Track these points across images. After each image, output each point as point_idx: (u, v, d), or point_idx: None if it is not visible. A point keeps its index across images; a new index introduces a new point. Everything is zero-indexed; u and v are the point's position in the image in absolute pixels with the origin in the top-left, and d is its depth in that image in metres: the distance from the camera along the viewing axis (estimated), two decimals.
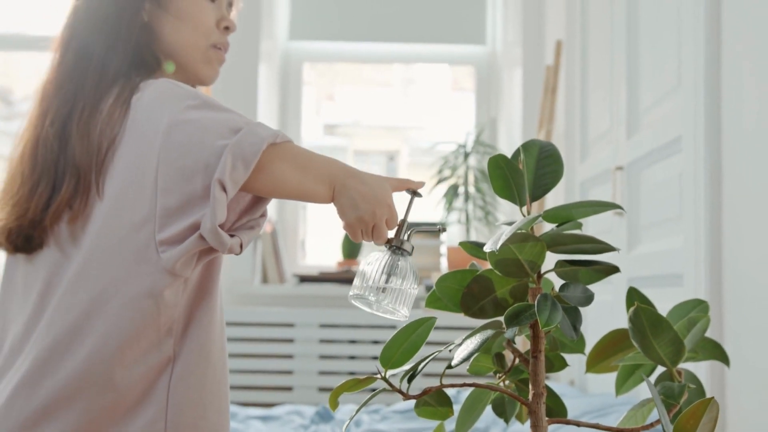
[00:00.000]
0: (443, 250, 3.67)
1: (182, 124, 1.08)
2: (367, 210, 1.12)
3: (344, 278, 3.49)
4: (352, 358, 3.29)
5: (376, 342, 3.28)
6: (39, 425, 1.10)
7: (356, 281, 1.11)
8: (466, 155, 3.66)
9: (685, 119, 1.89)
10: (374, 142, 14.84)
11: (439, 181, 3.66)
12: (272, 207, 3.77)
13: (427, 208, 3.77)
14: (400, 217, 1.19)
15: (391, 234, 1.15)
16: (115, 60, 1.19)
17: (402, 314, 1.11)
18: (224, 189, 1.04)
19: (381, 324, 3.22)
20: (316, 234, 4.45)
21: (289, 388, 3.27)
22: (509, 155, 3.37)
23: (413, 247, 1.14)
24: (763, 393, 1.56)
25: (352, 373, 3.28)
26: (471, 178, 3.65)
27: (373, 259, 1.11)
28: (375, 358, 3.28)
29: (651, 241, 2.19)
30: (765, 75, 1.57)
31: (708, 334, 1.68)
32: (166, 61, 1.26)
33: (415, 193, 1.17)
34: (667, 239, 2.06)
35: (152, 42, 1.25)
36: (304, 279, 3.48)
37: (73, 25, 1.24)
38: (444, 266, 3.67)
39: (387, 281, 1.09)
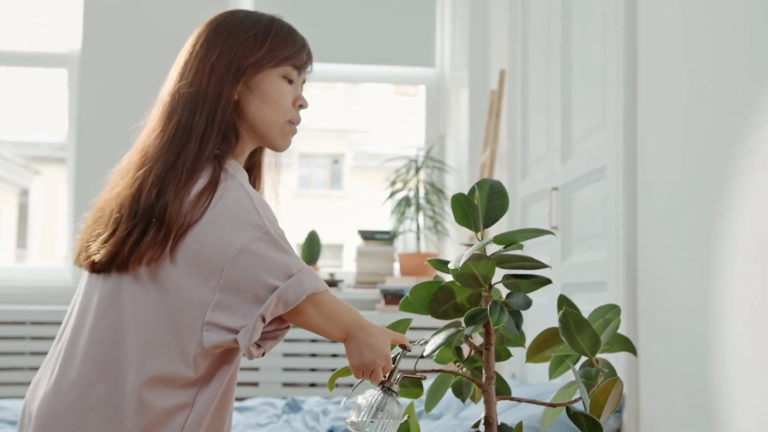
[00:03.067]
0: (396, 256, 4.00)
1: (248, 255, 1.33)
2: (369, 358, 1.40)
3: None
4: (314, 355, 3.60)
5: (334, 342, 3.59)
6: (85, 416, 1.37)
7: (353, 411, 1.40)
8: (417, 169, 3.99)
9: (607, 152, 2.25)
10: (319, 145, 14.96)
11: (392, 194, 3.99)
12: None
13: (381, 218, 4.10)
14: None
15: (384, 377, 1.42)
16: (211, 136, 1.42)
17: None
18: (263, 321, 1.33)
19: None
20: None
21: (255, 384, 3.56)
22: (457, 171, 3.76)
23: (400, 390, 1.42)
24: (667, 376, 1.91)
25: (313, 370, 3.59)
26: (422, 191, 3.99)
27: (368, 395, 1.40)
28: (334, 355, 3.60)
29: (580, 252, 2.54)
30: (672, 120, 1.92)
31: (624, 330, 2.05)
32: (249, 135, 1.51)
33: (405, 348, 1.44)
34: (593, 252, 2.41)
35: (237, 118, 1.48)
36: None
37: (175, 100, 1.45)
38: (396, 271, 4.00)
39: (376, 415, 1.38)
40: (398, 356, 1.43)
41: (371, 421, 1.37)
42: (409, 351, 1.45)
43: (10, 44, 4.19)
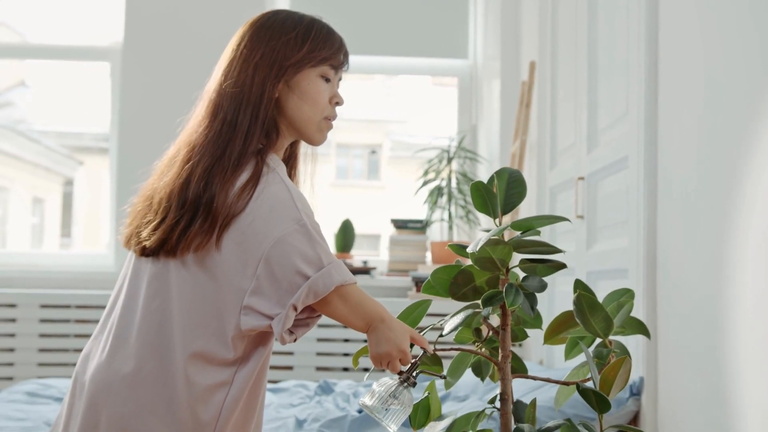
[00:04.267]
0: (428, 245, 4.07)
1: (285, 245, 1.42)
2: (386, 350, 1.49)
3: None
4: (346, 340, 3.69)
5: None
6: (136, 388, 1.48)
7: (368, 395, 1.49)
8: (449, 160, 4.06)
9: (630, 142, 2.30)
10: (356, 136, 15.02)
11: (425, 183, 4.07)
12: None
13: (414, 207, 4.17)
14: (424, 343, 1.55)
15: (405, 368, 1.50)
16: (255, 133, 1.51)
17: (392, 428, 1.49)
18: (295, 309, 1.43)
19: None
20: None
21: (290, 368, 3.67)
22: (488, 161, 3.84)
23: (416, 384, 1.50)
24: (684, 360, 1.97)
25: (346, 354, 3.69)
26: (453, 181, 4.05)
27: (383, 383, 1.49)
28: (365, 341, 3.68)
29: (605, 240, 2.60)
30: (691, 114, 1.97)
31: (644, 316, 2.11)
32: (287, 130, 1.60)
33: (425, 351, 1.52)
34: (617, 240, 2.46)
35: (277, 115, 1.57)
36: None
37: (221, 97, 1.54)
38: (428, 259, 4.07)
39: (388, 402, 1.46)
40: (420, 356, 1.51)
41: (383, 407, 1.46)
42: (429, 354, 1.54)
43: (55, 38, 4.33)
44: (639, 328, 1.66)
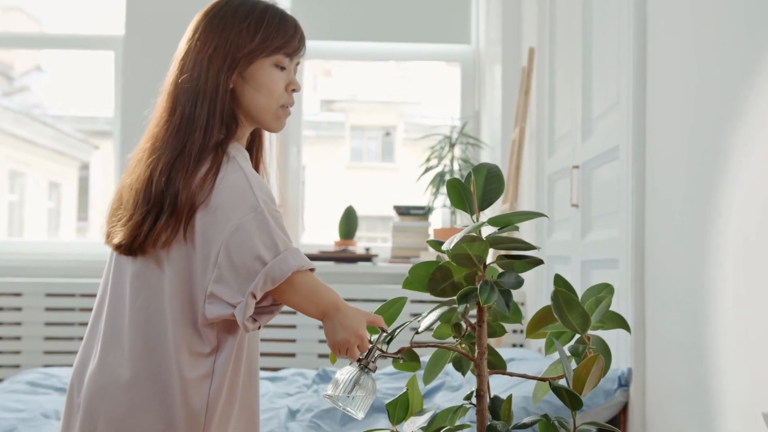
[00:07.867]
0: (430, 231, 4.07)
1: (242, 232, 1.44)
2: (343, 337, 1.49)
3: (342, 257, 3.89)
4: None
5: None
6: (130, 389, 1.50)
7: (330, 385, 1.49)
8: (452, 146, 4.05)
9: (620, 132, 2.29)
10: (371, 117, 14.97)
11: (427, 170, 4.06)
12: (273, 188, 4.15)
13: (417, 193, 4.17)
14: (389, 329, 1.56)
15: (363, 354, 1.50)
16: (214, 126, 1.53)
17: (359, 415, 1.49)
18: (254, 297, 1.44)
19: (372, 299, 3.64)
20: (315, 213, 4.85)
21: (292, 355, 3.69)
22: (491, 147, 3.82)
23: (377, 368, 1.48)
24: (671, 353, 1.97)
25: None
26: (456, 167, 4.04)
27: (345, 372, 1.48)
28: None
29: (599, 230, 2.59)
30: (679, 103, 1.95)
31: (632, 310, 2.10)
32: (246, 120, 1.60)
33: (383, 330, 1.51)
34: (609, 230, 2.46)
35: (234, 105, 1.58)
36: None
37: (178, 91, 1.56)
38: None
39: (352, 391, 1.46)
40: (378, 338, 1.51)
41: (346, 395, 1.46)
42: (387, 334, 1.53)
43: (66, 26, 4.37)
44: (619, 322, 1.65)
